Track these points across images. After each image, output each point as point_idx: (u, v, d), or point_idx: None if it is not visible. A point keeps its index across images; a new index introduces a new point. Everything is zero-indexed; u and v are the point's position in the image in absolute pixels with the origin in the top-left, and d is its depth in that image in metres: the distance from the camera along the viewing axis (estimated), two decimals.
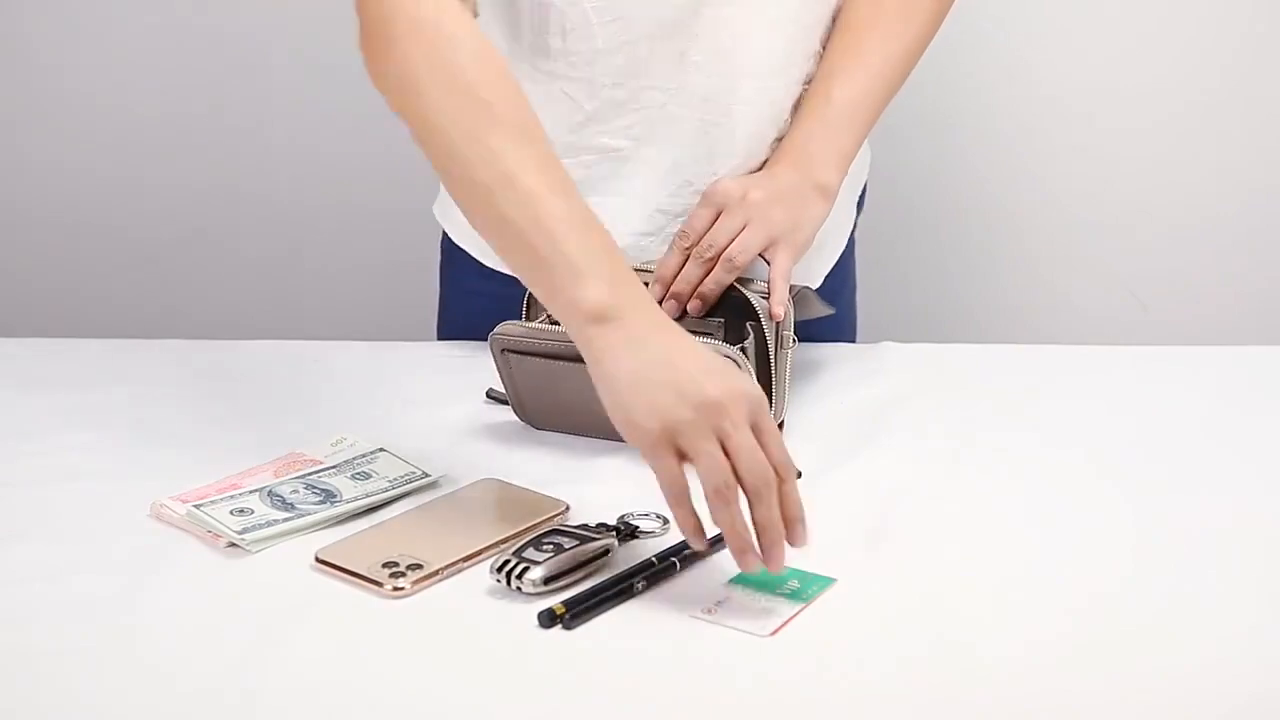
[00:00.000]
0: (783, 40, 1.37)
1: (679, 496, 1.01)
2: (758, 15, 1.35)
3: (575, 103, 1.36)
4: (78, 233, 2.32)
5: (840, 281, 1.54)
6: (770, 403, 1.22)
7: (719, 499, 0.99)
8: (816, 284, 1.43)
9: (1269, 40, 2.15)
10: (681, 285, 1.29)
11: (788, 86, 1.38)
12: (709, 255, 1.28)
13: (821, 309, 1.34)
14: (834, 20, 1.41)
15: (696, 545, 1.02)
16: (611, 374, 1.04)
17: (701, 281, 1.28)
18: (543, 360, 1.22)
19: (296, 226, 2.32)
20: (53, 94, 2.26)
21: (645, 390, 1.02)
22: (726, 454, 0.99)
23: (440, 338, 1.58)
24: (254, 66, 2.23)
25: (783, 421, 1.25)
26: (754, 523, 1.00)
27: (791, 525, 1.01)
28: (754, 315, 1.24)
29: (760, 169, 1.37)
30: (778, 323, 1.24)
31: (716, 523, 1.00)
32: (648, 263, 1.32)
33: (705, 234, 1.29)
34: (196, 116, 2.27)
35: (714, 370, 1.03)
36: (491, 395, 1.33)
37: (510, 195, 1.08)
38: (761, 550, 1.00)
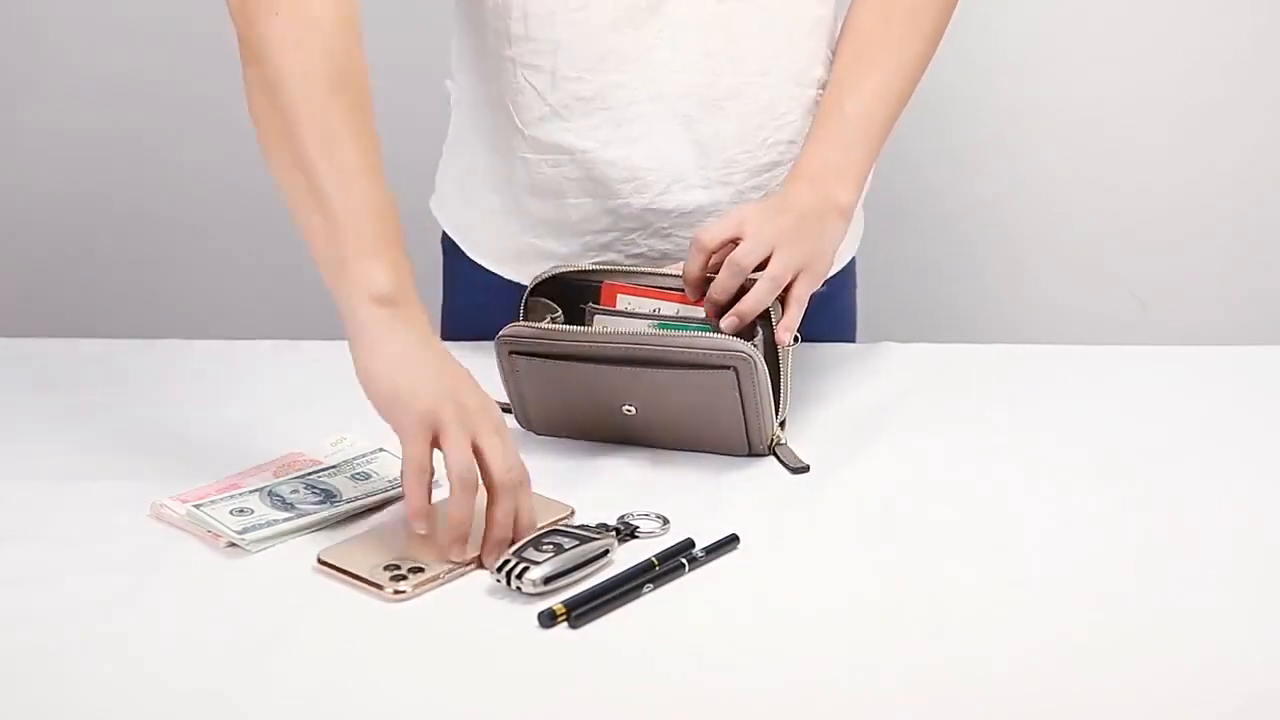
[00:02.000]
0: (763, 37, 1.36)
1: (419, 476, 1.06)
2: (724, 10, 1.34)
3: (538, 94, 1.36)
4: (77, 233, 2.32)
5: (840, 281, 1.54)
6: (776, 401, 1.22)
7: (463, 489, 1.05)
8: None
9: (1268, 41, 2.15)
10: (719, 294, 1.23)
11: (780, 84, 1.37)
12: (745, 264, 1.22)
13: None
14: (840, 30, 1.40)
15: (418, 528, 1.05)
16: (386, 352, 1.10)
17: (737, 296, 1.23)
18: (551, 361, 1.22)
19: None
20: (52, 93, 2.26)
21: (417, 375, 1.09)
22: (477, 452, 1.06)
23: (443, 336, 1.58)
24: None
25: (784, 420, 1.25)
26: (489, 517, 1.06)
27: (520, 532, 1.07)
28: (763, 315, 1.23)
29: (777, 189, 1.36)
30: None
31: (450, 507, 1.05)
32: (657, 270, 1.31)
33: (724, 246, 1.24)
34: (197, 116, 2.26)
35: (473, 383, 1.10)
36: None
37: (322, 172, 1.16)
38: (485, 542, 1.06)
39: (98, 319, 2.21)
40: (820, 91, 1.40)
